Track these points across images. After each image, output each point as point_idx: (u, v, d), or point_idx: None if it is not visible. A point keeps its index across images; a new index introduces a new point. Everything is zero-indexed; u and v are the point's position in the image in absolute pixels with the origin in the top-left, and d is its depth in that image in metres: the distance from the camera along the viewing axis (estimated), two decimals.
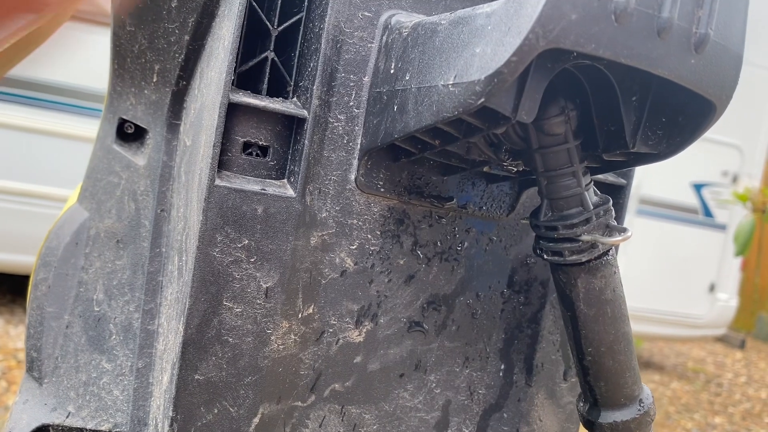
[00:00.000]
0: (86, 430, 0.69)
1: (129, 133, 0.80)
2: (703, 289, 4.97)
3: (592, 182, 0.56)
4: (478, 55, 0.46)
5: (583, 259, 0.54)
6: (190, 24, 0.67)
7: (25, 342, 0.74)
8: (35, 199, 3.39)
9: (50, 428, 0.70)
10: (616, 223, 0.55)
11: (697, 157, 4.43)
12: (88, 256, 0.74)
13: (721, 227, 4.90)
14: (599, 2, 0.42)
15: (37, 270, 0.76)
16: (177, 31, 0.69)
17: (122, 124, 0.80)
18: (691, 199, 4.83)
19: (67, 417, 0.70)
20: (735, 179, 4.77)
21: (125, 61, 0.74)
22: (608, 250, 0.56)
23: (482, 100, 0.45)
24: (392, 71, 0.59)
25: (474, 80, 0.46)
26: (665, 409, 4.49)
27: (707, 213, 4.89)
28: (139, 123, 0.76)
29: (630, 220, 4.47)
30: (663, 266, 4.67)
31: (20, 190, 3.38)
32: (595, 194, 0.56)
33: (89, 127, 3.30)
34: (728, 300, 5.06)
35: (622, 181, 0.74)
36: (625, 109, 0.52)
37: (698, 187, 4.82)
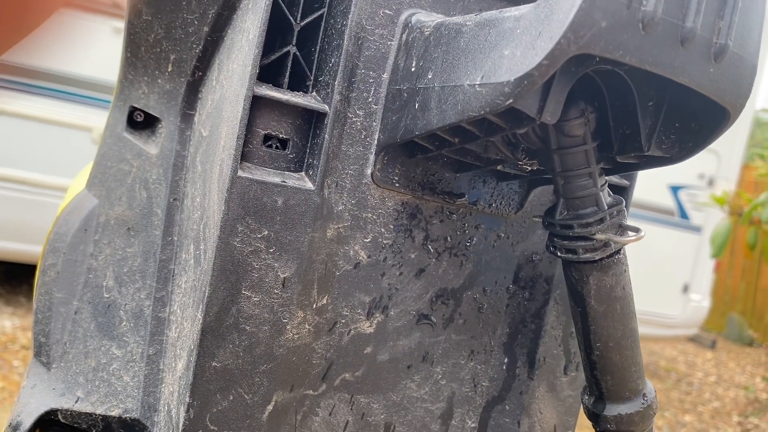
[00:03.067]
0: (95, 415, 0.70)
1: (138, 122, 0.80)
2: (677, 289, 5.05)
3: (606, 183, 0.58)
4: (507, 57, 0.48)
5: (596, 257, 0.56)
6: (210, 15, 0.68)
7: (33, 327, 0.75)
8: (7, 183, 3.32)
9: (59, 413, 0.70)
10: (628, 223, 0.57)
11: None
12: (97, 243, 0.74)
13: (696, 229, 4.98)
14: (628, 11, 0.43)
15: (45, 255, 0.76)
16: (196, 22, 0.69)
17: (132, 112, 0.80)
18: (667, 201, 4.90)
19: (76, 402, 0.70)
20: (711, 182, 4.85)
21: (139, 50, 0.74)
22: (620, 249, 0.58)
23: (510, 101, 0.47)
24: (413, 69, 0.60)
25: (503, 81, 0.47)
26: None
27: (683, 215, 4.96)
28: (151, 112, 0.77)
29: None
30: (638, 266, 4.73)
31: None
32: (609, 195, 0.58)
33: (68, 112, 3.25)
34: (701, 301, 5.15)
35: (626, 182, 0.76)
36: (641, 113, 0.54)
37: (675, 189, 4.90)
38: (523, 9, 0.48)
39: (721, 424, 4.61)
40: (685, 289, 5.05)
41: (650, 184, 4.71)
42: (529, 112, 0.49)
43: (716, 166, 4.87)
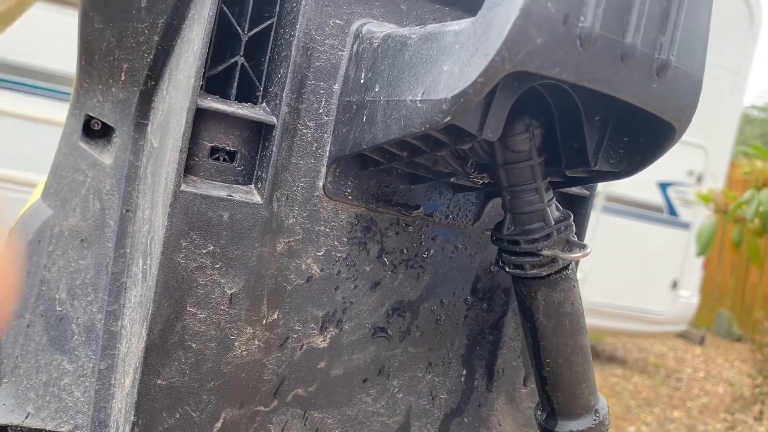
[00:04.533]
0: (45, 431, 0.69)
1: (95, 131, 0.79)
2: (666, 286, 5.06)
3: (555, 198, 0.57)
4: (445, 73, 0.47)
5: (543, 273, 0.56)
6: (160, 24, 0.67)
7: None
8: None
9: (8, 429, 0.69)
10: (576, 239, 0.56)
11: (663, 156, 4.50)
12: (51, 255, 0.73)
13: (685, 226, 5.00)
14: (565, 27, 0.43)
15: None
16: (146, 31, 0.68)
17: (89, 121, 0.79)
18: (656, 198, 4.90)
19: (26, 418, 0.69)
20: (700, 179, 4.86)
21: (93, 58, 0.73)
22: (568, 265, 0.57)
23: (449, 118, 0.46)
24: (362, 81, 0.59)
25: (441, 98, 0.46)
26: (626, 403, 4.59)
27: (672, 212, 4.97)
28: (106, 121, 0.75)
29: (597, 217, 4.54)
30: (628, 263, 4.75)
31: None
32: (557, 210, 0.57)
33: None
34: (690, 297, 5.16)
35: (585, 192, 0.75)
36: (588, 128, 0.53)
37: (664, 186, 4.90)
38: (463, 23, 0.47)
39: (709, 419, 4.63)
40: (674, 285, 5.06)
41: (640, 181, 4.72)
42: (470, 129, 0.48)
43: (704, 163, 4.88)
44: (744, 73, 4.71)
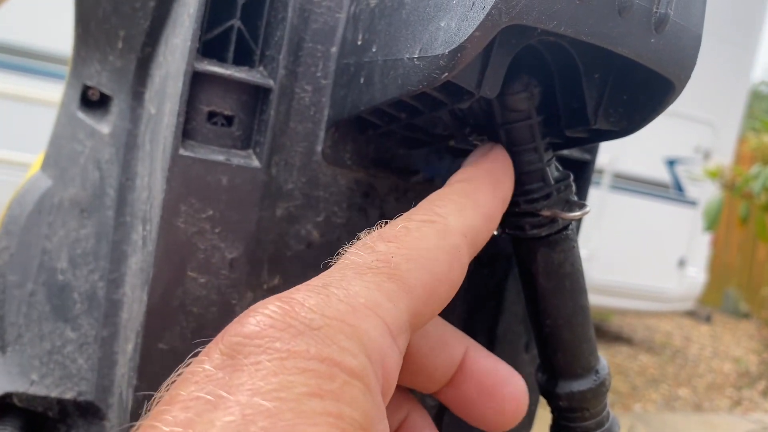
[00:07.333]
0: (50, 398, 0.69)
1: (94, 101, 0.79)
2: (673, 264, 5.04)
3: (554, 158, 0.57)
4: (443, 29, 0.46)
5: (543, 234, 0.55)
6: None
7: None
8: None
9: (14, 396, 0.70)
10: (576, 198, 0.55)
11: (670, 132, 4.47)
12: (51, 225, 0.73)
13: (692, 203, 4.96)
14: None
15: None
16: None
17: (86, 90, 0.79)
18: (663, 175, 4.87)
19: (31, 385, 0.70)
20: (707, 155, 4.82)
21: (89, 26, 0.73)
22: (568, 225, 0.56)
23: (446, 74, 0.45)
24: (360, 43, 0.59)
25: (438, 54, 0.46)
26: (632, 381, 4.60)
27: (679, 188, 4.94)
28: (103, 90, 0.75)
29: (605, 195, 4.51)
30: (634, 241, 4.73)
31: None
32: (557, 170, 0.56)
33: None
34: (697, 275, 5.14)
35: (587, 156, 0.74)
36: (587, 86, 0.53)
37: (671, 163, 4.87)
38: None
39: (715, 396, 4.64)
40: (681, 263, 5.04)
41: (647, 159, 4.68)
42: (468, 87, 0.48)
43: (712, 138, 4.83)
44: (752, 48, 4.66)
